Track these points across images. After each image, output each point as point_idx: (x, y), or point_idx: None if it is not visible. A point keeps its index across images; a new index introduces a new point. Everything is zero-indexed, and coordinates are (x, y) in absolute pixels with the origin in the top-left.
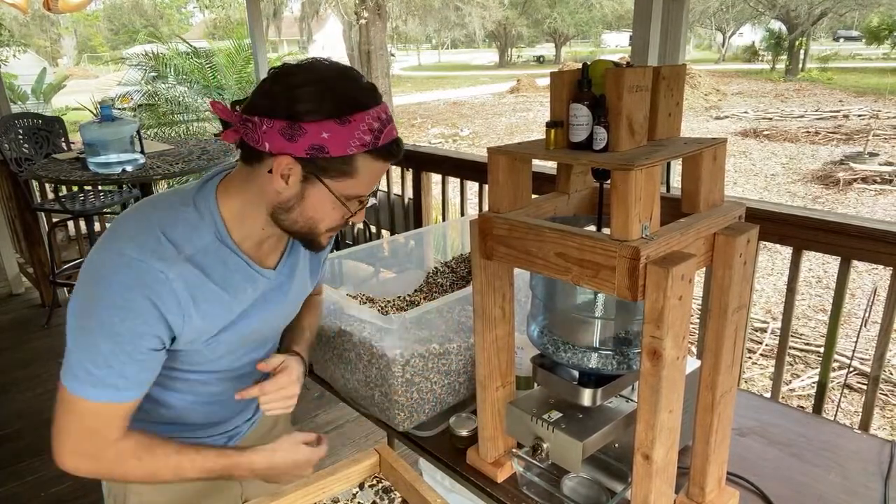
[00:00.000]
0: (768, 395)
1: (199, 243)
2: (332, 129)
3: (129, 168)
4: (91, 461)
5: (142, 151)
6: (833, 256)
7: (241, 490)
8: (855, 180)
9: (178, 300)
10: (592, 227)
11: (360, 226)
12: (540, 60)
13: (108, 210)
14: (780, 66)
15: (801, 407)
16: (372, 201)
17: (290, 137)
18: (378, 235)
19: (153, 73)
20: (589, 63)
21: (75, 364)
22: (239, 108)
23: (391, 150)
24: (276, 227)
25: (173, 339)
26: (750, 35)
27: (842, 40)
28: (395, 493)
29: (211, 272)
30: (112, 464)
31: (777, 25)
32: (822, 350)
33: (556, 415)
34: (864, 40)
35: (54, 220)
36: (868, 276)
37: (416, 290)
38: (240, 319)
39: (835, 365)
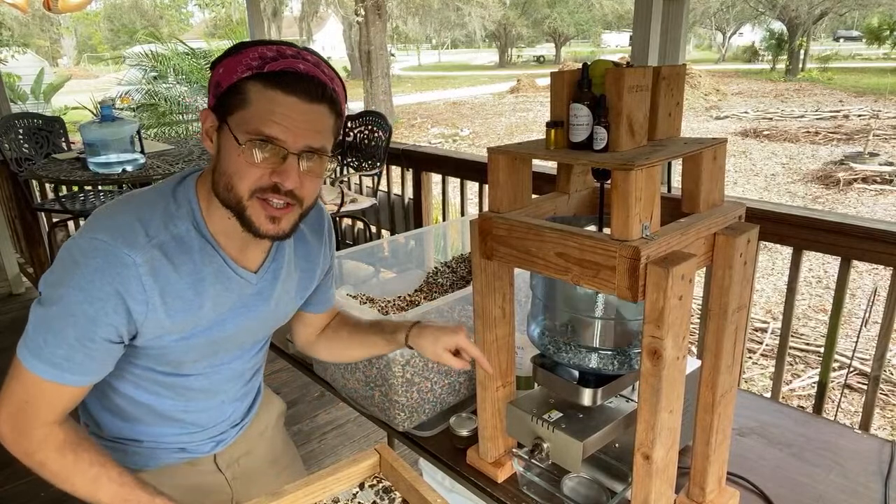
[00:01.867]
0: (768, 395)
1: (175, 231)
2: (225, 65)
3: (129, 168)
4: (16, 433)
5: (142, 151)
6: (833, 256)
7: (232, 494)
8: (855, 180)
9: (143, 286)
10: (593, 227)
11: (361, 226)
12: (540, 60)
13: None
14: (781, 66)
15: (801, 407)
16: (371, 201)
17: (208, 94)
18: (378, 235)
19: (153, 73)
20: (589, 63)
21: (31, 335)
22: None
23: (284, 79)
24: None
25: (135, 335)
26: (750, 35)
27: (842, 40)
28: (395, 493)
29: (180, 260)
30: (34, 446)
31: (777, 25)
32: (822, 350)
33: (556, 415)
34: (864, 40)
35: (54, 220)
36: (868, 276)
37: (416, 290)
38: (216, 323)
39: (835, 365)
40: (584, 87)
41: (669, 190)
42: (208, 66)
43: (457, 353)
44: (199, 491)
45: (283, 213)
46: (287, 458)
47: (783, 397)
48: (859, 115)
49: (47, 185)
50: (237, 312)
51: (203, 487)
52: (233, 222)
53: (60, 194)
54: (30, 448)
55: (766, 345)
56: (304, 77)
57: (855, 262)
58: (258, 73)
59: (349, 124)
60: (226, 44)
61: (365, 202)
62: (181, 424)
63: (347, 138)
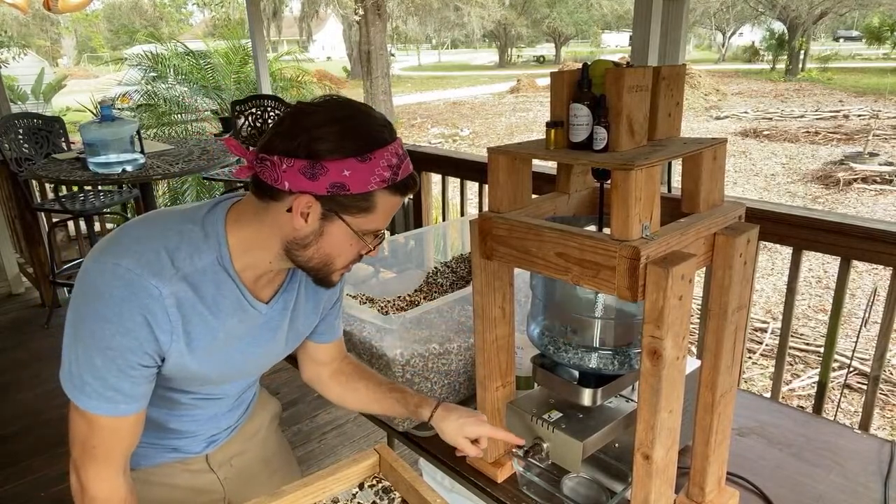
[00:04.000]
0: (768, 395)
1: (199, 263)
2: (353, 167)
3: (129, 168)
4: (83, 482)
5: (142, 151)
6: (833, 256)
7: (224, 494)
8: (855, 180)
9: (169, 317)
10: (593, 227)
11: None
12: (540, 60)
13: (108, 210)
14: (781, 66)
15: (801, 407)
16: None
17: (312, 176)
18: None
19: (153, 74)
20: (589, 63)
21: (75, 373)
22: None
23: (408, 185)
24: (285, 261)
25: (163, 360)
26: (750, 35)
27: (842, 40)
28: (395, 493)
29: (203, 292)
30: (99, 498)
31: (777, 25)
32: (822, 350)
33: (556, 415)
34: (864, 40)
35: (54, 219)
36: (868, 276)
37: (416, 290)
38: (227, 353)
39: (835, 365)
40: (584, 87)
41: (669, 190)
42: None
43: (475, 440)
44: (190, 490)
45: (351, 268)
46: (281, 458)
47: (783, 397)
48: (859, 115)
49: (47, 185)
50: (244, 342)
51: (195, 486)
52: (262, 261)
53: (60, 194)
54: (95, 500)
55: (766, 345)
56: (414, 177)
57: (855, 262)
58: (392, 184)
59: None
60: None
61: None
62: (173, 431)
63: None
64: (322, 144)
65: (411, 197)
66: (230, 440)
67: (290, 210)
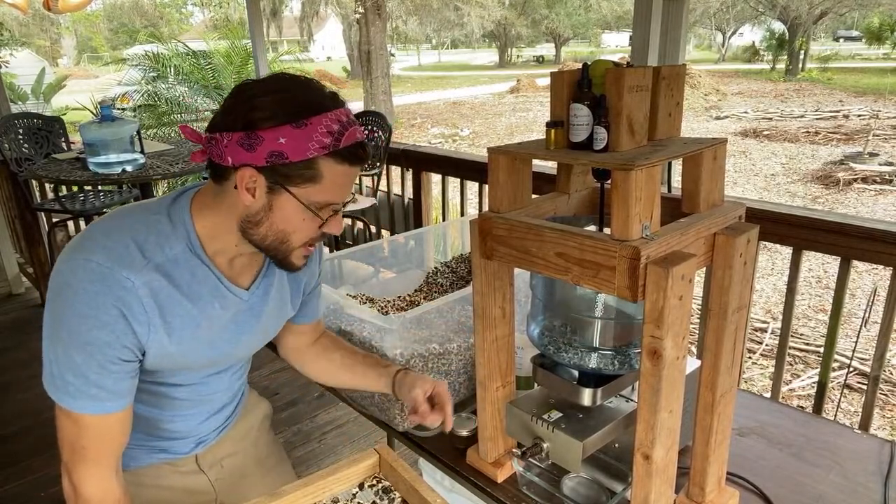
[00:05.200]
0: (768, 395)
1: (170, 252)
2: (289, 134)
3: (129, 168)
4: (75, 485)
5: (142, 151)
6: (833, 256)
7: (216, 495)
8: (855, 180)
9: (144, 309)
10: (593, 227)
11: (360, 226)
12: (540, 60)
13: (108, 210)
14: (781, 66)
15: (801, 407)
16: (371, 201)
17: (249, 147)
18: (378, 235)
19: (153, 74)
20: (589, 63)
21: (56, 374)
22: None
23: (355, 153)
24: (246, 243)
25: (143, 353)
26: (750, 35)
27: (842, 40)
28: (395, 493)
29: (178, 281)
30: (94, 501)
31: (777, 25)
32: (822, 350)
33: (556, 415)
34: (864, 40)
35: (54, 220)
36: (868, 276)
37: (416, 290)
38: (210, 341)
39: (835, 365)
40: (584, 87)
41: (669, 190)
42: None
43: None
44: (181, 491)
45: (313, 250)
46: (273, 459)
47: (783, 397)
48: (859, 115)
49: (47, 185)
50: (230, 330)
51: (185, 488)
52: (229, 244)
53: (60, 194)
54: (90, 500)
55: (766, 345)
56: (363, 145)
57: (855, 262)
58: (334, 150)
59: None
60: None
61: (365, 202)
62: (162, 430)
63: None
64: (257, 114)
65: (411, 198)
66: (219, 441)
67: (237, 187)
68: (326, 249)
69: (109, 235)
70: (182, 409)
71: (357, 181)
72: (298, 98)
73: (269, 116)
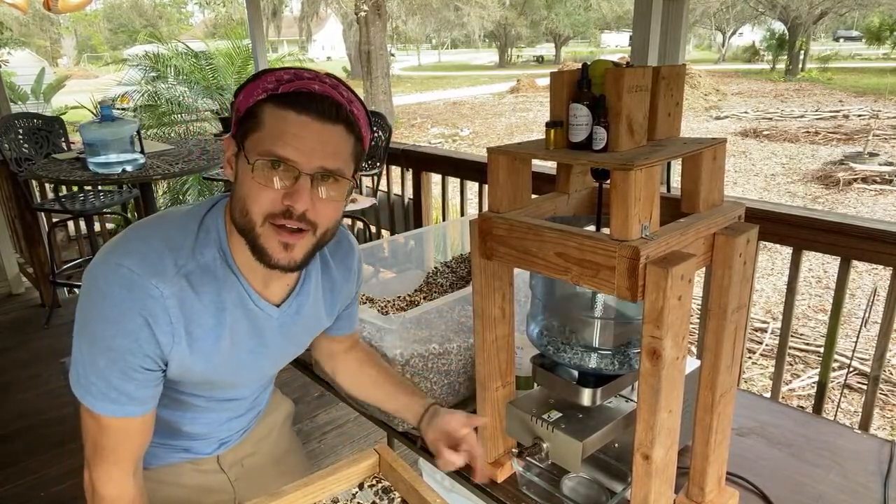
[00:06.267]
0: (768, 395)
1: (202, 259)
2: (246, 91)
3: (129, 168)
4: (94, 483)
5: (142, 151)
6: (833, 256)
7: (235, 494)
8: (855, 180)
9: (170, 318)
10: (592, 228)
11: (360, 226)
12: (540, 60)
13: (108, 210)
14: (781, 66)
15: (801, 407)
16: (371, 201)
17: (232, 125)
18: (378, 235)
19: (153, 74)
20: (589, 63)
21: (81, 374)
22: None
23: (297, 99)
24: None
25: (166, 364)
26: (750, 35)
27: (842, 40)
28: (395, 493)
29: (205, 288)
30: (108, 498)
31: (777, 25)
32: (822, 350)
33: (555, 415)
34: (864, 40)
35: (54, 220)
36: (868, 276)
37: (416, 290)
38: (234, 357)
39: (835, 365)
40: (583, 87)
41: (669, 190)
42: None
43: (455, 447)
44: (200, 490)
45: (296, 240)
46: (292, 458)
47: (783, 397)
48: (859, 115)
49: (47, 185)
50: (255, 347)
51: (205, 487)
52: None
53: (60, 194)
54: (103, 501)
55: (766, 345)
56: (317, 97)
57: (855, 262)
58: (272, 94)
59: None
60: (226, 44)
61: (365, 202)
62: (183, 433)
63: None
64: (238, 94)
65: (411, 198)
66: (242, 441)
67: None
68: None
69: (145, 241)
70: (204, 412)
71: (357, 181)
72: (271, 68)
73: (241, 86)
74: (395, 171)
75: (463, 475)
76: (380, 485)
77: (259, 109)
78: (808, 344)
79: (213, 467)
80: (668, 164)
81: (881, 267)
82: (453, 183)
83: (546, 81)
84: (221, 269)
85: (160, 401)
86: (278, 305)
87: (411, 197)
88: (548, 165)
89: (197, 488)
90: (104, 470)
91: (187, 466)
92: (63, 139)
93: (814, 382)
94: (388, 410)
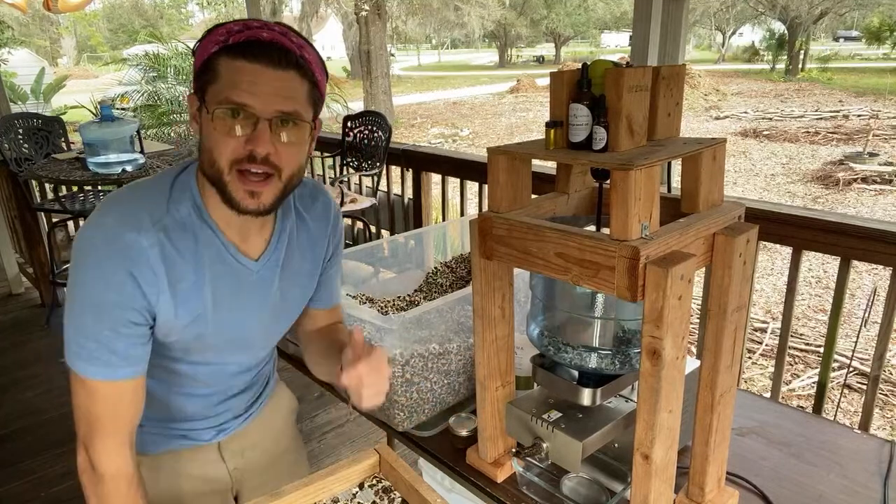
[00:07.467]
0: (768, 395)
1: (177, 214)
2: (200, 46)
3: (129, 168)
4: (90, 459)
5: (142, 151)
6: (833, 256)
7: (232, 484)
8: (855, 180)
9: (153, 270)
10: (592, 228)
11: (360, 226)
12: (540, 60)
13: None
14: (780, 66)
15: (801, 407)
16: (371, 201)
17: (193, 80)
18: (378, 235)
19: (153, 74)
20: (589, 63)
21: (71, 339)
22: None
23: (248, 48)
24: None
25: (154, 319)
26: (750, 35)
27: (842, 40)
28: (395, 493)
29: (184, 243)
30: (108, 473)
31: (777, 25)
32: (821, 350)
33: (555, 415)
34: (864, 40)
35: (54, 220)
36: (868, 276)
37: (415, 290)
38: (219, 311)
39: (835, 365)
40: (583, 87)
41: (669, 190)
42: None
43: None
44: (198, 479)
45: (263, 187)
46: (293, 455)
47: (783, 397)
48: (859, 115)
49: (47, 185)
50: (241, 301)
51: (203, 475)
52: (224, 207)
53: (60, 194)
54: (104, 477)
55: (766, 345)
56: (267, 45)
57: (854, 262)
58: (224, 46)
59: (349, 124)
60: None
61: (365, 202)
62: (178, 413)
63: (347, 138)
64: (194, 51)
65: (411, 198)
66: (244, 430)
67: None
68: None
69: (121, 202)
70: (199, 387)
71: (357, 181)
72: (222, 22)
73: (196, 43)
74: (395, 171)
75: (463, 475)
76: (380, 485)
77: (214, 62)
78: (807, 344)
79: (213, 456)
80: (668, 164)
81: (881, 267)
82: (453, 183)
83: (546, 81)
84: (197, 224)
85: (153, 374)
86: (256, 260)
87: (411, 197)
88: (548, 165)
89: (195, 477)
90: (100, 443)
91: (186, 454)
92: (63, 139)
93: (814, 382)
94: (331, 381)
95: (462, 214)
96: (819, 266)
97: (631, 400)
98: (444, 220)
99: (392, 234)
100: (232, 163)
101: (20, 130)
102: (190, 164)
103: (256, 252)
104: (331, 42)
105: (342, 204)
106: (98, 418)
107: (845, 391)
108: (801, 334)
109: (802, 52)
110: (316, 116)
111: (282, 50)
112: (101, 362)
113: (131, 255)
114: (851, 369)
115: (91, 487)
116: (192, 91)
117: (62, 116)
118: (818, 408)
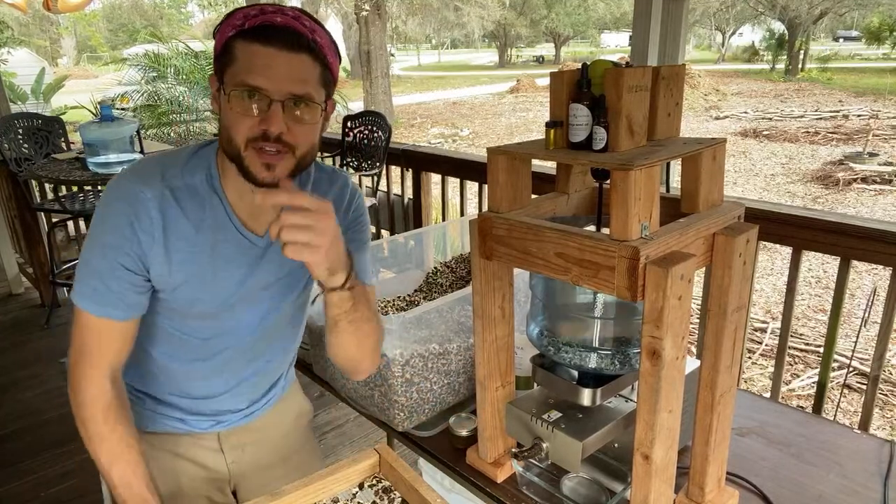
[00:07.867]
0: (768, 395)
1: (189, 180)
2: (220, 30)
3: None
4: (75, 382)
5: (142, 151)
6: (833, 256)
7: (229, 478)
8: (854, 180)
9: (151, 218)
10: (592, 227)
11: None
12: (540, 60)
13: None
14: (780, 66)
15: (801, 407)
16: (371, 201)
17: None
18: (378, 235)
19: (153, 74)
20: (588, 63)
21: (77, 277)
22: None
23: (263, 32)
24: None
25: (148, 270)
26: (750, 35)
27: (842, 40)
28: (395, 493)
29: (188, 205)
30: (87, 400)
31: (777, 25)
32: (821, 350)
33: (555, 415)
34: (864, 40)
35: (54, 220)
36: (868, 276)
37: (415, 290)
38: (213, 276)
39: (834, 365)
40: (583, 87)
41: (669, 190)
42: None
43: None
44: (196, 464)
45: (277, 160)
46: (300, 458)
47: (783, 397)
48: (859, 116)
49: (47, 185)
50: (241, 271)
51: (201, 461)
52: (242, 181)
53: (60, 194)
54: (84, 401)
55: (766, 345)
56: (280, 29)
57: (854, 262)
58: (240, 30)
59: (349, 124)
60: None
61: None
62: (180, 392)
63: (347, 138)
64: (215, 34)
65: (411, 198)
66: (246, 426)
67: None
68: None
69: (143, 163)
70: (199, 363)
71: (357, 181)
72: (241, 7)
73: (217, 27)
74: (395, 171)
75: (463, 475)
76: (380, 485)
77: (231, 45)
78: (807, 344)
79: (212, 445)
80: (668, 164)
81: (881, 267)
82: (453, 183)
83: (546, 81)
84: (206, 191)
85: (158, 340)
86: (263, 236)
87: (411, 197)
88: (548, 165)
89: (191, 461)
90: (83, 370)
91: (186, 438)
92: (63, 139)
93: (813, 382)
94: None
95: (462, 214)
96: (819, 266)
97: (631, 400)
98: (443, 220)
99: (392, 234)
100: (248, 141)
101: (20, 130)
102: (214, 141)
103: (264, 228)
104: None
105: None
106: (84, 344)
107: (845, 391)
108: (801, 334)
109: (802, 52)
110: (329, 97)
111: (294, 34)
112: (95, 298)
113: (135, 203)
114: (851, 369)
115: (76, 410)
116: (213, 73)
117: (62, 116)
118: (818, 408)
